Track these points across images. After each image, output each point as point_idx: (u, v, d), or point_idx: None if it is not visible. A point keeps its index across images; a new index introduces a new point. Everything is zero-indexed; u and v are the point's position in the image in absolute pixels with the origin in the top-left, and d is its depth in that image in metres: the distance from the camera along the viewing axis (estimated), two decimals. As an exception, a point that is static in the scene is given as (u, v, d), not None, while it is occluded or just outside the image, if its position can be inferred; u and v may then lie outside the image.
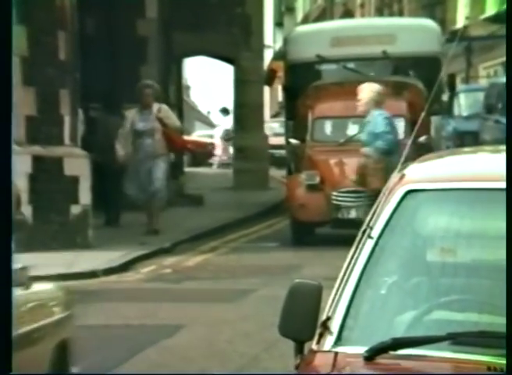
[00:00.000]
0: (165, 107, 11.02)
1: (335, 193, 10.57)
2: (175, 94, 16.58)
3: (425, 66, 11.96)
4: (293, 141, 11.65)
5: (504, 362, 2.31)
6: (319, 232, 11.00)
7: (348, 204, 10.55)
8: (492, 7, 24.28)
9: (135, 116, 10.96)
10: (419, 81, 11.92)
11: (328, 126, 11.43)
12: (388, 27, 13.16)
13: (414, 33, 12.80)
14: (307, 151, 11.09)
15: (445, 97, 16.36)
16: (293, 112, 12.18)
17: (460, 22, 23.62)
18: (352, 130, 11.23)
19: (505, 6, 23.48)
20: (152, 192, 10.76)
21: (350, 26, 13.91)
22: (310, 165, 10.92)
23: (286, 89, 13.37)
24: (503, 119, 15.39)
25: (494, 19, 23.64)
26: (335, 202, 10.59)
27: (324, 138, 11.27)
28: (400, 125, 10.89)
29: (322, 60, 12.47)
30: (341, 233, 9.78)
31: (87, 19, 13.08)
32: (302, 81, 12.11)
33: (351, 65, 12.47)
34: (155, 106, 10.90)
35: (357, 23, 16.82)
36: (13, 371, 3.35)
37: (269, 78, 14.43)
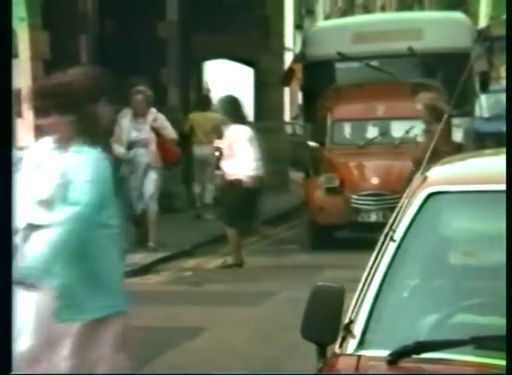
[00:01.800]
0: (161, 116, 10.27)
1: (354, 196, 10.39)
2: (195, 96, 16.60)
3: (456, 64, 11.08)
4: (311, 143, 11.45)
5: None
6: (338, 235, 10.85)
7: (368, 207, 10.38)
8: (516, 5, 24.02)
9: (128, 124, 10.15)
10: (441, 82, 11.35)
11: (347, 129, 11.15)
12: (414, 22, 12.30)
13: (443, 27, 11.93)
14: (326, 153, 10.87)
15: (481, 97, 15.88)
16: (312, 114, 11.80)
17: (483, 22, 23.45)
18: (372, 132, 11.00)
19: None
20: (143, 206, 9.97)
21: (373, 21, 13.04)
22: (329, 168, 10.70)
23: (304, 89, 12.76)
24: None
25: (518, 17, 23.37)
26: (354, 205, 10.41)
27: (343, 141, 11.01)
28: (420, 128, 10.89)
29: (343, 58, 11.78)
30: (360, 237, 9.59)
31: (108, 22, 13.14)
32: (321, 81, 11.64)
33: (374, 63, 11.76)
34: (151, 115, 10.17)
35: (380, 17, 15.77)
36: (13, 371, 3.37)
37: (287, 78, 13.44)
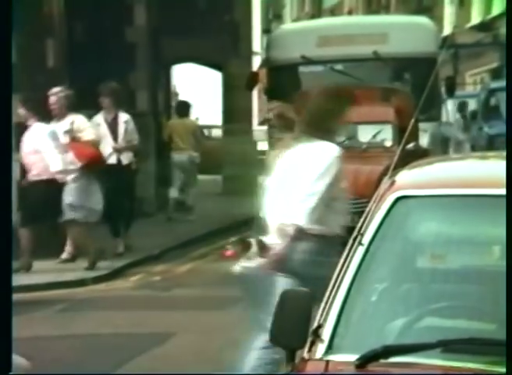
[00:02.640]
0: (80, 118, 9.59)
1: None
2: (164, 100, 16.56)
3: (421, 68, 10.99)
4: None
5: (495, 369, 2.31)
6: None
7: None
8: (477, 16, 24.53)
9: (44, 128, 9.27)
10: (408, 87, 11.33)
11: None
12: (379, 25, 12.15)
13: (408, 31, 11.78)
14: None
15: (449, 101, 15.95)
16: None
17: (447, 30, 23.80)
18: (339, 136, 11.24)
19: (490, 15, 23.72)
20: (64, 216, 9.16)
21: (337, 25, 12.82)
22: None
23: (268, 93, 12.33)
24: (486, 127, 15.46)
25: (480, 27, 23.88)
26: None
27: None
28: (388, 132, 10.56)
29: (308, 61, 11.53)
30: None
31: (76, 26, 13.07)
32: (286, 85, 11.39)
33: (339, 66, 11.60)
34: (69, 117, 9.49)
35: (345, 20, 15.37)
36: (13, 371, 3.32)
37: (250, 82, 13.02)
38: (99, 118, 10.24)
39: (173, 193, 13.42)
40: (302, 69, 11.77)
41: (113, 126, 10.22)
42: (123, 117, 10.29)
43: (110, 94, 10.20)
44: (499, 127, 14.94)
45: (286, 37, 12.18)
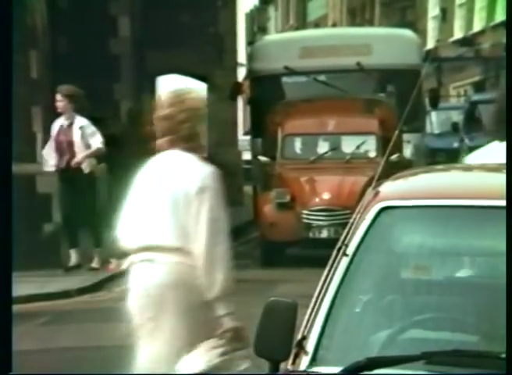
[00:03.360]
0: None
1: (305, 211, 10.15)
2: (148, 111, 16.52)
3: (404, 80, 11.06)
4: (262, 158, 11.14)
5: None
6: (290, 252, 10.58)
7: (319, 223, 10.16)
8: (459, 31, 24.89)
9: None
10: (392, 98, 11.34)
11: (298, 144, 10.94)
12: (363, 37, 12.18)
13: (392, 43, 11.85)
14: (277, 168, 10.64)
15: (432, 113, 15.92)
16: (261, 129, 11.48)
17: (430, 44, 24.08)
18: (323, 147, 10.85)
19: (472, 31, 24.10)
20: None
21: (321, 36, 12.83)
22: (280, 183, 10.46)
23: (251, 104, 12.45)
24: (467, 139, 15.58)
25: (462, 42, 24.25)
26: (305, 221, 10.07)
27: (294, 156, 10.83)
28: (371, 143, 10.53)
29: (291, 72, 11.55)
30: (312, 254, 9.39)
31: (60, 38, 13.05)
32: (269, 95, 11.44)
33: (322, 77, 11.61)
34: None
35: (328, 32, 15.43)
36: (13, 371, 3.29)
37: (233, 92, 13.16)
38: (56, 123, 9.86)
39: None
40: (285, 79, 11.79)
41: (67, 132, 9.73)
42: (80, 122, 9.73)
43: (65, 96, 9.73)
44: (479, 139, 15.05)
45: (269, 48, 12.18)
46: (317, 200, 10.24)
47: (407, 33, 12.97)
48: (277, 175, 10.64)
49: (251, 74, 12.31)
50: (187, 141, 3.85)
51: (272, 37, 16.19)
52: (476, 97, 18.09)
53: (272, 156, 10.87)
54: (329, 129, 10.82)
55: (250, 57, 12.73)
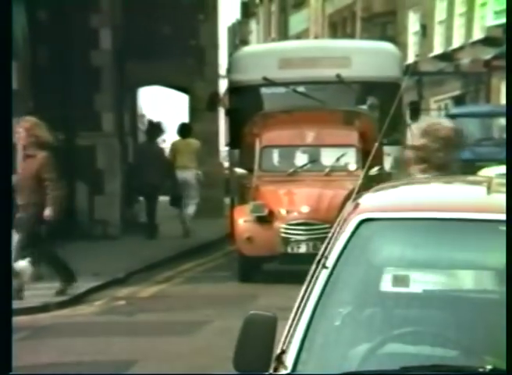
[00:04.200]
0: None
1: (283, 225, 9.80)
2: (129, 122, 16.51)
3: (384, 92, 11.02)
4: (238, 170, 10.89)
5: None
6: (267, 268, 10.28)
7: (298, 237, 9.72)
8: (439, 46, 25.20)
9: None
10: (372, 110, 11.23)
11: (276, 156, 10.68)
12: (342, 49, 12.09)
13: (371, 56, 11.75)
14: (254, 181, 10.33)
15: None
16: (239, 140, 11.23)
17: (411, 59, 24.30)
18: (301, 159, 10.59)
19: (451, 47, 24.41)
20: None
21: (300, 47, 12.61)
22: (257, 195, 10.13)
23: (229, 114, 12.20)
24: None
25: (442, 57, 24.56)
26: (283, 235, 9.72)
27: (272, 168, 10.56)
28: (351, 155, 10.33)
29: (269, 83, 11.39)
30: (291, 269, 9.12)
31: (40, 49, 13.00)
32: (247, 106, 11.25)
33: (301, 89, 11.42)
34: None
35: (307, 43, 15.08)
36: (13, 371, 3.23)
37: (211, 103, 12.65)
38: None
39: (184, 208, 13.96)
40: (264, 90, 11.64)
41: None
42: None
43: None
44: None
45: (247, 59, 12.00)
46: (295, 214, 9.92)
47: (387, 46, 12.91)
48: (254, 188, 10.33)
49: (229, 85, 12.14)
50: (439, 169, 3.88)
51: (251, 47, 15.94)
52: (455, 110, 18.22)
53: (250, 168, 10.60)
54: (308, 141, 10.58)
55: (229, 68, 12.56)
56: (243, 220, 10.03)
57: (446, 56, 24.34)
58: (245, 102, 11.48)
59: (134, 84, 17.20)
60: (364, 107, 11.61)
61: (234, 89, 11.88)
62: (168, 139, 16.08)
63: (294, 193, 10.20)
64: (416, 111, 12.60)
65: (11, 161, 3.31)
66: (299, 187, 10.21)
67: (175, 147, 14.12)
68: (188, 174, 13.70)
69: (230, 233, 10.76)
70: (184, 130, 14.24)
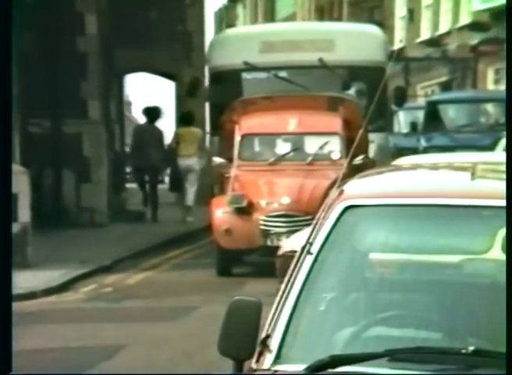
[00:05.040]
0: None
1: (263, 217, 9.29)
2: (116, 109, 16.47)
3: (368, 77, 10.69)
4: (217, 159, 10.46)
5: None
6: (247, 261, 9.91)
7: (278, 230, 9.28)
8: (426, 32, 25.19)
9: None
10: (356, 96, 10.82)
11: (256, 144, 10.18)
12: (325, 32, 11.67)
13: (355, 39, 11.35)
14: (233, 170, 9.84)
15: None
16: (218, 128, 10.85)
17: (397, 44, 24.26)
18: (283, 148, 10.11)
19: (438, 32, 24.42)
20: None
21: (282, 30, 12.15)
22: (236, 186, 9.65)
23: (210, 100, 11.82)
24: (422, 139, 15.72)
25: (429, 42, 24.54)
26: (263, 228, 9.27)
27: (252, 157, 10.03)
28: (335, 143, 9.83)
29: (250, 68, 10.98)
30: (270, 262, 9.09)
31: (25, 35, 12.93)
32: (227, 92, 10.83)
33: (283, 74, 11.03)
34: None
35: (290, 26, 14.32)
36: (13, 371, 3.24)
37: (191, 89, 12.23)
38: None
39: (189, 202, 14.05)
40: (245, 75, 11.25)
41: None
42: None
43: None
44: (437, 139, 15.14)
45: (228, 42, 11.58)
46: (275, 205, 9.46)
47: (372, 28, 12.46)
48: (233, 177, 9.84)
49: (210, 70, 11.76)
50: None
51: (232, 30, 15.06)
52: (435, 97, 18.23)
53: (229, 157, 10.13)
54: (290, 128, 10.11)
55: (209, 51, 12.12)
56: (222, 212, 9.58)
57: (432, 42, 24.34)
58: (226, 88, 11.10)
59: (120, 71, 17.13)
60: (351, 93, 11.23)
61: (215, 74, 11.51)
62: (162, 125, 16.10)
63: (275, 183, 9.76)
64: (401, 97, 12.28)
65: (10, 162, 3.26)
66: (280, 176, 9.76)
67: (178, 134, 14.17)
68: (191, 161, 13.70)
69: (209, 225, 10.26)
70: (187, 118, 14.26)
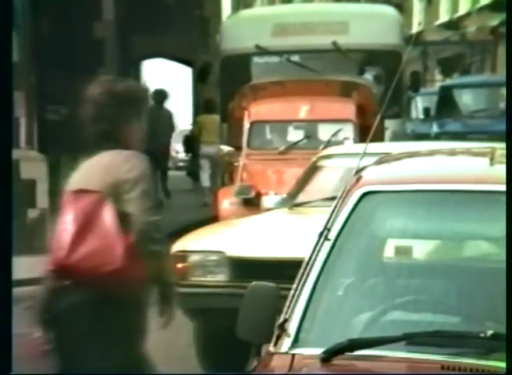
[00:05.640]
0: None
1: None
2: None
3: (384, 61, 10.23)
4: (225, 148, 10.01)
5: (458, 360, 2.34)
6: None
7: None
8: (445, 14, 24.90)
9: None
10: (371, 81, 10.33)
11: (267, 132, 9.60)
12: (340, 14, 10.99)
13: (371, 21, 10.73)
14: (242, 159, 9.21)
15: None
16: (229, 114, 10.31)
17: (416, 27, 24.00)
18: (295, 135, 9.51)
19: (457, 14, 24.11)
20: None
21: (295, 12, 11.62)
22: (245, 176, 9.03)
23: (220, 86, 11.15)
24: (435, 125, 15.47)
25: (447, 25, 24.24)
26: None
27: (262, 145, 9.39)
28: (348, 131, 9.25)
29: (262, 51, 10.43)
30: None
31: (42, 20, 12.95)
32: (238, 76, 10.26)
33: (296, 57, 10.48)
34: None
35: (303, 8, 13.68)
36: (13, 371, 3.29)
37: (202, 73, 12.06)
38: None
39: (205, 182, 14.08)
40: (256, 59, 10.71)
41: None
42: None
43: None
44: (449, 125, 14.98)
45: (239, 25, 11.00)
46: (284, 196, 9.18)
47: (387, 9, 11.83)
48: (242, 167, 9.18)
49: (221, 54, 11.16)
50: None
51: (244, 13, 14.05)
52: (449, 82, 18.02)
53: (238, 146, 9.47)
54: (302, 115, 9.47)
55: (220, 35, 11.54)
56: (229, 203, 8.85)
57: (451, 24, 24.00)
58: (236, 73, 10.53)
59: (138, 57, 17.14)
60: (367, 77, 10.73)
61: (225, 58, 10.92)
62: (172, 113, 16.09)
63: (284, 173, 9.05)
64: (417, 82, 11.81)
65: (10, 161, 3.23)
66: (290, 166, 8.98)
67: (200, 122, 14.26)
68: (212, 149, 13.63)
69: (215, 217, 9.43)
70: (209, 106, 14.26)
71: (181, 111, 14.89)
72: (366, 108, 9.50)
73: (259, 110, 9.63)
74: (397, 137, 10.47)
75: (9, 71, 3.58)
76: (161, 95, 14.52)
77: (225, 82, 11.02)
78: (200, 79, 12.57)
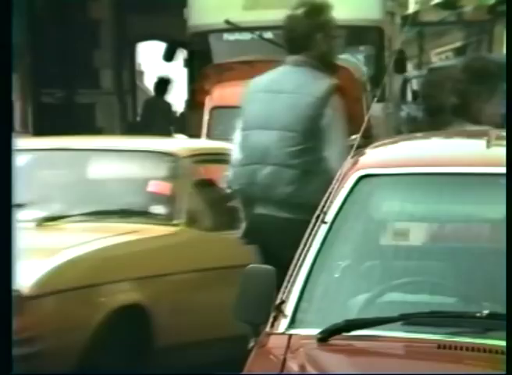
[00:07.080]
0: None
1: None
2: (128, 79, 16.44)
3: (365, 39, 9.49)
4: (179, 136, 8.90)
5: (454, 339, 2.37)
6: None
7: None
8: (441, -7, 24.66)
9: None
10: (354, 62, 9.26)
11: (229, 119, 8.84)
12: None
13: None
14: None
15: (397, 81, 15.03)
16: (189, 99, 9.51)
17: (411, 7, 23.80)
18: None
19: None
20: None
21: None
22: (202, 170, 8.50)
23: (188, 65, 10.20)
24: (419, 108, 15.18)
25: (444, 5, 24.01)
26: None
27: (223, 135, 7.62)
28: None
29: (232, 27, 9.38)
30: None
31: (37, 2, 12.87)
32: (207, 56, 9.53)
33: (269, 35, 9.39)
34: None
35: None
36: (13, 371, 3.29)
37: (168, 53, 11.10)
38: None
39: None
40: (226, 36, 9.74)
41: None
42: None
43: None
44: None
45: None
46: None
47: None
48: None
49: (188, 30, 10.23)
50: None
51: None
52: (436, 64, 17.87)
53: (198, 135, 8.07)
54: None
55: (188, 9, 10.50)
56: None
57: (448, 3, 23.72)
58: (205, 50, 9.72)
59: (133, 39, 17.06)
60: (349, 58, 9.51)
61: (193, 35, 10.03)
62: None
63: None
64: (402, 62, 10.63)
65: (10, 160, 3.14)
66: None
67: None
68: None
69: None
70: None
71: (176, 94, 14.68)
72: (347, 92, 8.79)
73: (222, 94, 8.25)
74: (380, 123, 9.44)
75: (9, 73, 3.46)
76: (163, 85, 14.04)
77: (192, 60, 10.05)
78: (166, 58, 11.36)
